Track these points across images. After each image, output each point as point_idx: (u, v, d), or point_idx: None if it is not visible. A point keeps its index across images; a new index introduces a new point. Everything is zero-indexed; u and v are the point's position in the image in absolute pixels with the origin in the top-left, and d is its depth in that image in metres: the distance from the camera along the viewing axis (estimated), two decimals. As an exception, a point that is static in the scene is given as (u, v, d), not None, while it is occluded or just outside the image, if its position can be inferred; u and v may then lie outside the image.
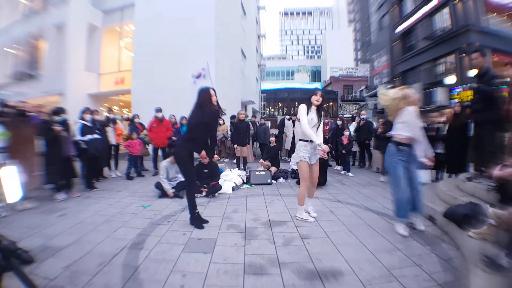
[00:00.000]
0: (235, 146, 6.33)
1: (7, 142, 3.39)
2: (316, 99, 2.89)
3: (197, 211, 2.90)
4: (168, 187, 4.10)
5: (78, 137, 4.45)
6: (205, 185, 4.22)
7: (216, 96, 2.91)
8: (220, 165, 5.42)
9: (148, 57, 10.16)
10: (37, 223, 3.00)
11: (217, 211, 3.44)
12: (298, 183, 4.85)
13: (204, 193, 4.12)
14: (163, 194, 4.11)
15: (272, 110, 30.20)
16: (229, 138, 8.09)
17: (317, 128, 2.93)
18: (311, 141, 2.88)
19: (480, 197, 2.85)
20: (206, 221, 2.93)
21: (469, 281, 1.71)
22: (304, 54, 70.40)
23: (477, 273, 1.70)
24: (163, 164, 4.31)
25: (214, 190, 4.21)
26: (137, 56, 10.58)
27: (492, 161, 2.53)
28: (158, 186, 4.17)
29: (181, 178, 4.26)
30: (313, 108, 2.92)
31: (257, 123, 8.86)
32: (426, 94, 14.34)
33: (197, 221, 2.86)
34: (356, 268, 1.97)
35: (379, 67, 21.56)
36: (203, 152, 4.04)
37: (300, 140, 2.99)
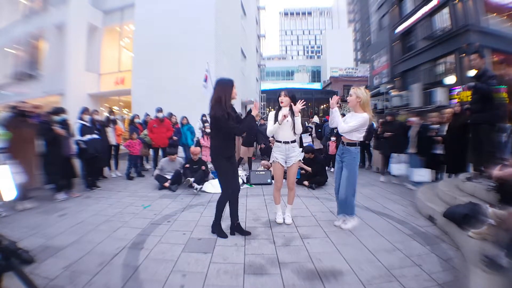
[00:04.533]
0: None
1: (8, 142, 3.39)
2: (280, 100, 2.87)
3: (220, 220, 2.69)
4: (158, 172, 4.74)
5: (77, 137, 4.45)
6: (193, 179, 4.51)
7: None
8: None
9: (148, 57, 10.16)
10: (37, 223, 3.00)
11: (217, 211, 3.44)
12: (297, 182, 4.85)
13: (191, 181, 4.42)
14: (162, 186, 4.58)
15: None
16: None
17: (293, 128, 2.84)
18: (285, 142, 2.87)
19: (480, 197, 2.85)
20: (226, 236, 2.64)
21: (469, 281, 1.71)
22: (304, 54, 70.38)
23: (477, 273, 1.70)
24: (162, 160, 5.00)
25: (202, 175, 4.61)
26: (137, 56, 10.59)
27: (491, 161, 2.54)
28: (158, 177, 4.69)
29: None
30: (285, 110, 2.84)
31: (257, 123, 8.85)
32: (426, 94, 14.34)
33: (220, 229, 2.66)
34: (356, 268, 1.97)
35: (379, 67, 21.56)
36: (196, 149, 4.91)
37: (276, 141, 2.96)
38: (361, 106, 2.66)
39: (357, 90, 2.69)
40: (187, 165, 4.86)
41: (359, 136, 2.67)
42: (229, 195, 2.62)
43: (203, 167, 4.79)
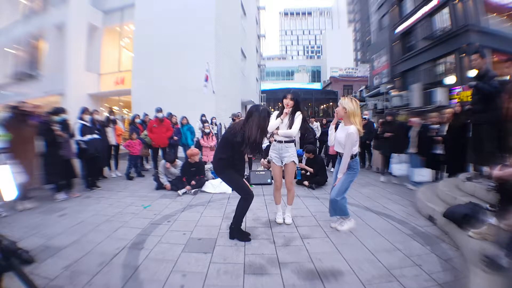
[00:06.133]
0: None
1: (8, 142, 3.39)
2: (286, 103, 2.83)
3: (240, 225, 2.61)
4: (165, 182, 4.56)
5: (78, 137, 4.46)
6: (184, 190, 4.39)
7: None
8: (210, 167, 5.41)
9: (148, 57, 10.16)
10: (37, 223, 3.00)
11: (217, 211, 3.45)
12: (297, 183, 4.85)
13: (190, 188, 4.37)
14: (160, 186, 4.57)
15: (272, 110, 30.08)
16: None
17: (290, 127, 2.86)
18: (279, 141, 2.88)
19: (480, 197, 2.85)
20: (248, 234, 2.61)
21: (469, 281, 1.71)
22: (304, 54, 70.41)
23: (477, 273, 1.70)
24: (162, 162, 4.78)
25: (200, 183, 4.54)
26: (137, 56, 10.58)
27: (491, 161, 2.54)
28: (156, 178, 4.65)
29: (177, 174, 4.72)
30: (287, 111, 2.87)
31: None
32: (426, 94, 14.34)
33: (241, 233, 2.57)
34: (356, 268, 1.98)
35: (379, 67, 21.54)
36: (192, 151, 4.74)
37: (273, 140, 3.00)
38: (348, 117, 2.57)
39: (343, 100, 2.61)
40: (186, 169, 4.64)
41: (354, 149, 2.60)
42: (251, 198, 2.53)
43: (201, 175, 4.63)
